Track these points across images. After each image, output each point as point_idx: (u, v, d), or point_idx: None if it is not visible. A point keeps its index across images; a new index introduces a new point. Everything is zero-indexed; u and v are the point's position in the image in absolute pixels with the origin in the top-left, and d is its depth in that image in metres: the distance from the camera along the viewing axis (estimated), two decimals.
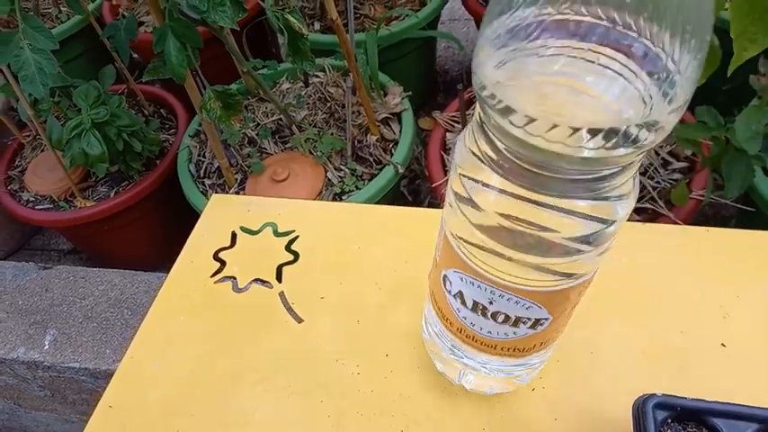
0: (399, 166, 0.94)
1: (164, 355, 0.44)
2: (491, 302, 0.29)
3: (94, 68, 1.14)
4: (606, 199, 0.24)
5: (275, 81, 1.14)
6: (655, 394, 0.32)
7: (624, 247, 0.45)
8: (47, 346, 0.87)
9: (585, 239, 0.25)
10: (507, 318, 0.30)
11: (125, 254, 1.17)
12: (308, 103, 1.06)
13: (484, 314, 0.30)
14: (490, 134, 0.23)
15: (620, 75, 0.19)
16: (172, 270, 0.50)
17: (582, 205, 0.24)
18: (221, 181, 0.99)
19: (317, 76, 1.13)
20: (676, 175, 0.84)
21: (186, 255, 0.51)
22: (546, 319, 0.30)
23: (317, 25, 1.33)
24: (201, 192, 0.98)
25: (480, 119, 0.24)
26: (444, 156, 0.95)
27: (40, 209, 1.09)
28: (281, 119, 1.04)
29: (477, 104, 0.24)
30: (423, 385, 0.39)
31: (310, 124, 1.02)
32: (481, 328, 0.31)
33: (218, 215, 0.53)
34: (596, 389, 0.38)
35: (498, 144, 0.23)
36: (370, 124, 0.98)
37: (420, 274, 0.41)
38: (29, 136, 1.21)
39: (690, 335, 0.40)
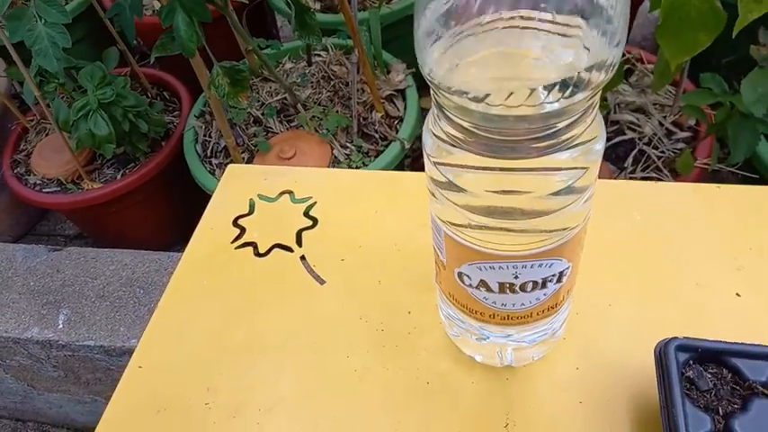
0: (405, 142, 0.94)
1: (190, 317, 0.45)
2: (516, 277, 0.30)
3: (96, 52, 1.13)
4: (578, 146, 0.25)
5: (278, 61, 1.15)
6: (676, 337, 0.33)
7: (638, 206, 0.46)
8: (61, 326, 0.88)
9: (571, 190, 0.26)
10: (535, 284, 0.30)
11: (132, 236, 1.18)
12: (312, 82, 1.06)
13: (512, 290, 0.31)
14: (451, 116, 0.24)
15: (556, 33, 0.21)
16: (192, 237, 0.50)
17: (561, 159, 0.25)
18: (228, 160, 1.00)
19: (320, 56, 1.13)
20: (680, 145, 0.85)
21: (206, 222, 0.51)
22: (567, 268, 0.31)
23: (316, 5, 1.32)
24: (209, 171, 0.99)
25: (438, 103, 0.25)
26: None
27: (48, 192, 1.09)
28: (285, 98, 1.04)
29: (432, 91, 0.25)
30: (446, 339, 0.40)
31: (315, 103, 1.02)
32: (513, 305, 0.32)
33: (235, 184, 0.54)
34: (616, 338, 0.39)
35: (462, 123, 0.24)
36: (375, 101, 0.98)
37: None
38: (32, 120, 1.22)
39: (705, 286, 0.41)
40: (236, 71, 0.76)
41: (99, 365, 0.92)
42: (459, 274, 0.31)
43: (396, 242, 0.47)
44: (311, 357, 0.41)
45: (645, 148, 0.85)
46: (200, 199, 0.97)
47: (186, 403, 0.40)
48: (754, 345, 0.33)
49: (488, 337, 0.36)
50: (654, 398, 0.35)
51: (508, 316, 0.33)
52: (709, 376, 0.32)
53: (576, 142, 0.25)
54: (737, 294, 0.40)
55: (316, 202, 0.51)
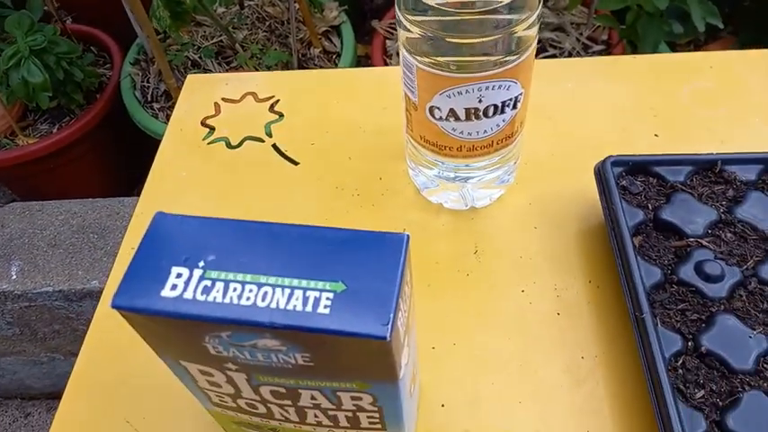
0: None
1: (174, 202, 0.48)
2: (480, 100, 0.35)
3: (14, 6, 1.09)
4: None
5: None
6: (611, 155, 0.40)
7: (569, 76, 0.52)
8: (14, 276, 0.87)
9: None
10: (496, 108, 0.36)
11: (77, 194, 1.15)
12: (247, 24, 1.07)
13: (477, 116, 0.36)
14: None
15: None
16: (163, 140, 0.53)
17: None
18: (170, 103, 1.00)
19: None
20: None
21: (174, 125, 0.54)
22: (521, 94, 0.36)
23: None
24: (152, 116, 0.99)
25: None
26: (387, 61, 1.00)
27: None
28: (221, 41, 1.05)
29: None
30: (415, 196, 0.45)
31: (252, 42, 1.03)
32: (477, 132, 0.37)
33: (197, 91, 0.56)
34: (559, 177, 0.45)
35: None
36: (312, 37, 1.01)
37: (398, 117, 0.46)
38: None
39: (629, 131, 0.47)
40: (176, 3, 0.77)
41: (57, 315, 0.92)
42: (431, 109, 0.36)
43: (360, 125, 0.51)
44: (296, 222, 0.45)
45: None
46: (145, 145, 0.97)
47: None
48: (672, 154, 0.40)
49: (455, 177, 0.41)
50: (596, 211, 0.41)
51: (473, 146, 0.38)
52: (639, 183, 0.39)
53: None
54: (656, 135, 0.47)
55: (279, 100, 0.54)
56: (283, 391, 0.26)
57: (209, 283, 0.22)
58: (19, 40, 0.89)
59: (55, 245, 0.90)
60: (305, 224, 0.25)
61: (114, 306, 0.22)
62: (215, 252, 0.23)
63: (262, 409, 0.28)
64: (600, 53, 0.94)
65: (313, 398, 0.26)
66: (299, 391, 0.25)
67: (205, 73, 1.03)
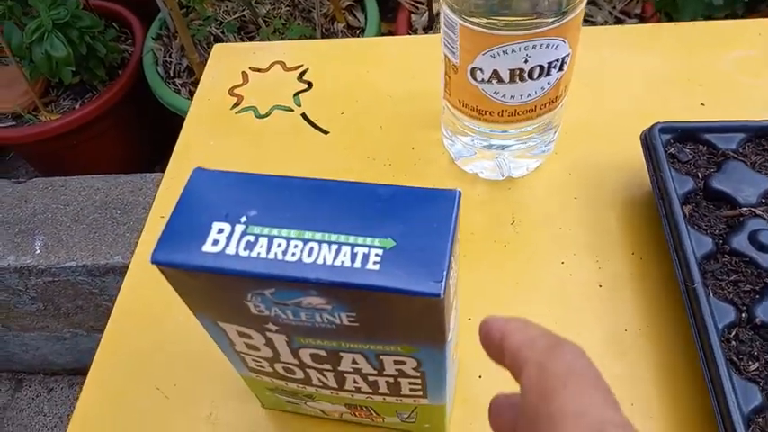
0: None
1: None
2: (526, 60, 0.33)
3: None
4: None
5: None
6: (659, 122, 0.38)
7: (608, 44, 0.51)
8: (38, 251, 0.88)
9: None
10: (542, 69, 0.34)
11: (98, 169, 1.15)
12: None
13: (521, 78, 0.34)
14: None
15: None
16: (190, 109, 0.52)
17: None
18: (192, 79, 0.99)
19: None
20: None
21: (201, 95, 0.53)
22: (568, 55, 0.34)
23: None
24: (175, 91, 0.98)
25: None
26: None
27: (4, 126, 1.05)
28: (243, 16, 1.04)
29: None
30: (449, 165, 0.44)
31: (275, 17, 1.02)
32: (521, 96, 0.35)
33: (224, 61, 0.55)
34: (601, 146, 0.43)
35: None
36: (336, 12, 0.99)
37: (429, 84, 0.45)
38: None
39: (673, 100, 0.46)
40: None
41: (81, 290, 0.92)
42: (473, 71, 0.35)
43: (390, 94, 0.50)
44: None
45: None
46: (168, 121, 0.96)
47: None
48: (724, 120, 0.38)
49: (492, 144, 0.40)
50: (639, 181, 0.40)
51: (515, 111, 0.36)
52: (688, 151, 0.37)
53: None
54: (702, 104, 0.45)
55: (308, 69, 0.53)
56: (324, 354, 0.25)
57: (251, 238, 0.21)
58: (42, 13, 0.89)
59: (78, 220, 0.90)
60: (350, 180, 0.24)
61: (154, 261, 0.21)
62: (257, 207, 0.22)
63: (299, 375, 0.27)
64: None
65: (354, 362, 0.25)
66: (341, 354, 0.24)
67: None
